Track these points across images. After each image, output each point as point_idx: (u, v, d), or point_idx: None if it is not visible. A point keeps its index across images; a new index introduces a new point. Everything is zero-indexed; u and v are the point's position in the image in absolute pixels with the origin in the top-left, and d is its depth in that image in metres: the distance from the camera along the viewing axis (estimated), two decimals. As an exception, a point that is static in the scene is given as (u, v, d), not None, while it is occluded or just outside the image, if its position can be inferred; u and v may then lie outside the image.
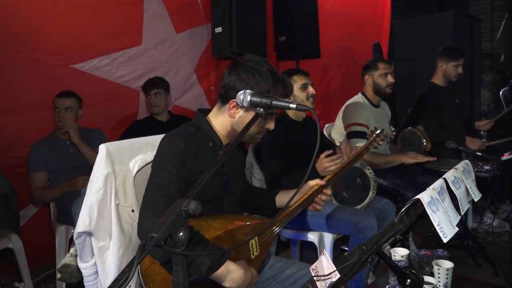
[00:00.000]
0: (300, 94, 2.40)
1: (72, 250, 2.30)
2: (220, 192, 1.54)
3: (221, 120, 1.52)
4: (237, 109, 1.47)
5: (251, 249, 1.44)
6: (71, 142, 2.71)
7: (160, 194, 1.33)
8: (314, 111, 1.71)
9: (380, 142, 2.33)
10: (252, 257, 1.44)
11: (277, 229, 1.57)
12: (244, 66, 1.45)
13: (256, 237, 1.45)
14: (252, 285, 1.31)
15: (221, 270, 1.22)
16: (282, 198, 1.71)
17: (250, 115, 1.45)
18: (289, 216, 1.61)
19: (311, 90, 2.42)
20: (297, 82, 2.40)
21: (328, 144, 2.65)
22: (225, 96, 1.48)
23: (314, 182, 1.67)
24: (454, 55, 3.25)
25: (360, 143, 2.58)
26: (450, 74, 3.28)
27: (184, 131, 1.50)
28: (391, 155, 2.93)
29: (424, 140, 2.87)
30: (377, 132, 2.32)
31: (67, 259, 2.19)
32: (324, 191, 1.68)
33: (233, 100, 1.44)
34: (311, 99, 2.43)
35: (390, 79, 2.86)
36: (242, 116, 1.47)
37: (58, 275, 2.16)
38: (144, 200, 1.36)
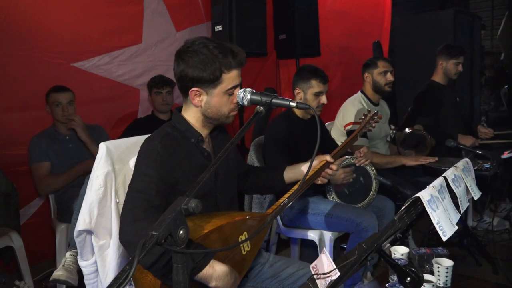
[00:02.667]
0: (312, 101, 2.37)
1: (67, 254, 2.26)
2: (211, 186, 1.53)
3: (192, 113, 1.51)
4: (200, 97, 1.46)
5: (241, 246, 1.44)
6: (74, 137, 2.71)
7: (139, 197, 1.33)
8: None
9: (374, 125, 2.32)
10: (244, 253, 1.44)
11: (289, 203, 1.58)
12: (187, 53, 1.42)
13: (245, 233, 1.44)
14: (235, 286, 1.30)
15: (206, 270, 1.21)
16: (290, 173, 1.73)
17: (216, 96, 1.44)
18: (300, 190, 1.62)
19: (323, 99, 2.37)
20: (314, 87, 2.36)
21: (330, 144, 2.63)
22: (184, 89, 1.47)
23: (323, 157, 1.71)
24: (454, 52, 3.26)
25: (359, 142, 2.58)
26: (450, 72, 3.29)
27: (160, 132, 1.49)
28: (392, 156, 2.93)
29: (428, 138, 2.87)
30: (371, 114, 2.31)
31: (56, 274, 2.17)
32: (330, 166, 1.71)
33: (192, 89, 1.44)
34: (320, 108, 2.40)
35: (389, 77, 2.86)
36: (207, 101, 1.46)
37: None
38: (124, 206, 1.36)
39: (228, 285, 1.25)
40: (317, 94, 2.37)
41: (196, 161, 1.48)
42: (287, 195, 1.62)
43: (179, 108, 1.57)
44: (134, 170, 1.44)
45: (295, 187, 1.61)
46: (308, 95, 2.37)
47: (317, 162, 1.71)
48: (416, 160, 2.73)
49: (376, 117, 2.30)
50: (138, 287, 1.29)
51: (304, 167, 1.70)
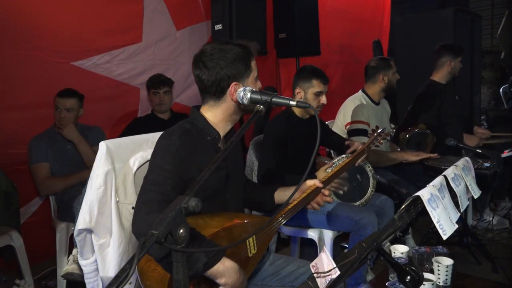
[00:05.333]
0: (312, 100, 2.36)
1: (74, 251, 2.31)
2: (222, 187, 1.54)
3: (220, 111, 1.52)
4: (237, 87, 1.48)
5: (248, 247, 1.44)
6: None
7: (154, 191, 1.33)
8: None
9: (382, 141, 2.33)
10: (250, 255, 1.44)
11: (276, 226, 1.57)
12: (214, 55, 1.46)
13: (254, 235, 1.45)
14: (243, 285, 1.30)
15: (217, 266, 1.22)
16: (281, 195, 1.72)
17: (250, 83, 1.49)
18: (289, 213, 1.61)
19: (323, 99, 2.37)
20: (314, 87, 2.36)
21: (333, 139, 2.61)
22: (219, 90, 1.47)
23: (312, 182, 1.68)
24: (459, 51, 3.28)
25: (361, 139, 2.58)
26: (457, 70, 3.32)
27: (179, 128, 1.49)
28: (393, 152, 2.93)
29: (431, 135, 2.89)
30: (379, 131, 2.32)
31: (70, 267, 2.22)
32: (322, 191, 1.69)
33: (232, 84, 1.46)
34: (320, 108, 2.40)
35: (397, 75, 2.95)
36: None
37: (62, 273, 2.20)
38: (139, 197, 1.37)
39: (237, 283, 1.25)
40: (318, 94, 2.37)
41: (211, 160, 1.48)
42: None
43: (198, 107, 1.58)
44: (151, 163, 1.44)
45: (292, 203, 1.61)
46: (308, 95, 2.38)
47: (306, 187, 1.68)
48: (417, 155, 2.73)
49: (383, 134, 2.31)
50: (146, 281, 1.29)
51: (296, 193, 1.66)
